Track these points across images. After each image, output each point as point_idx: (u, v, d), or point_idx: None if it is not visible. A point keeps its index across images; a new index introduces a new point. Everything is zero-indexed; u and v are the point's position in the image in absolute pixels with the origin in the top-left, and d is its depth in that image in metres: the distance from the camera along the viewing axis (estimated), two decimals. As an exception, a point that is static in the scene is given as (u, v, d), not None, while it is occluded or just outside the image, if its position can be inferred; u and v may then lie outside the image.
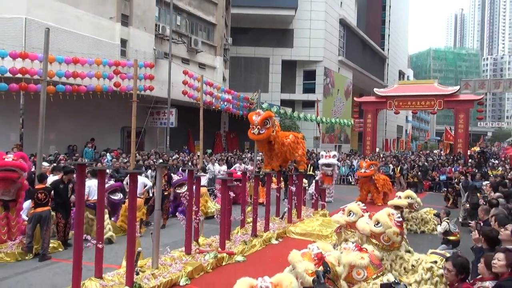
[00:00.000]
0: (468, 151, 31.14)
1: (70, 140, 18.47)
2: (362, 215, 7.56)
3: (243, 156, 23.01)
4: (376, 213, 6.60)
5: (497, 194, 8.52)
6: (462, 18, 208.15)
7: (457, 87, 31.51)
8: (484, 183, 13.03)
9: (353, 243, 6.23)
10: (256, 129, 10.75)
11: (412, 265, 6.24)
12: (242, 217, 9.85)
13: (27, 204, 8.51)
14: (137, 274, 6.30)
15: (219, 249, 8.04)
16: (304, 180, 14.07)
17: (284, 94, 39.51)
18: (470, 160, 24.41)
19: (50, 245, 8.15)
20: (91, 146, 18.43)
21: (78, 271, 5.73)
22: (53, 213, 8.58)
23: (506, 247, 4.10)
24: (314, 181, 14.76)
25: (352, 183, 22.82)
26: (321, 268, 4.20)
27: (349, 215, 7.83)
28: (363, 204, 8.30)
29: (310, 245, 4.76)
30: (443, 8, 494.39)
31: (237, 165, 17.14)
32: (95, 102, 16.34)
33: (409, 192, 11.73)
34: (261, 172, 12.31)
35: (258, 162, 17.55)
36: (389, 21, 65.03)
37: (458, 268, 3.76)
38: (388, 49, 64.31)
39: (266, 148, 11.61)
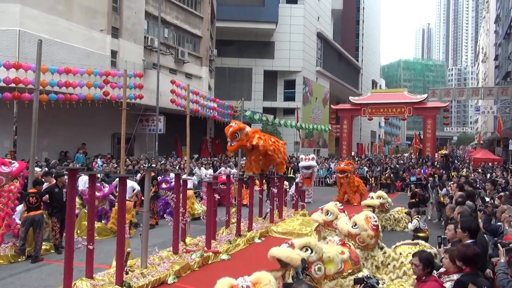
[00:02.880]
0: (436, 154, 31.66)
1: (62, 146, 18.15)
2: (338, 215, 7.65)
3: (228, 160, 22.92)
4: (355, 216, 6.62)
5: (460, 193, 8.65)
6: (429, 32, 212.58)
7: (425, 95, 32.04)
8: (449, 183, 13.25)
9: (338, 237, 6.26)
10: (229, 141, 10.96)
11: (382, 262, 6.31)
12: (227, 217, 9.81)
13: (20, 208, 8.30)
14: (127, 273, 6.21)
15: (205, 248, 7.99)
16: (286, 182, 14.10)
17: (266, 102, 39.64)
18: (436, 163, 24.85)
19: (42, 247, 7.96)
20: (82, 152, 18.10)
21: (70, 271, 5.62)
22: (45, 217, 8.38)
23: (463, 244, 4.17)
24: (294, 183, 14.79)
25: (331, 184, 22.95)
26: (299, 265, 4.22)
27: (327, 215, 7.89)
28: (340, 204, 8.36)
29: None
30: (412, 23, 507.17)
31: (223, 168, 17.05)
32: (87, 110, 16.08)
33: (381, 192, 11.84)
34: (244, 175, 12.29)
35: (242, 166, 17.50)
36: (363, 34, 65.94)
37: (424, 262, 3.82)
38: (362, 60, 65.14)
39: (251, 154, 11.58)
